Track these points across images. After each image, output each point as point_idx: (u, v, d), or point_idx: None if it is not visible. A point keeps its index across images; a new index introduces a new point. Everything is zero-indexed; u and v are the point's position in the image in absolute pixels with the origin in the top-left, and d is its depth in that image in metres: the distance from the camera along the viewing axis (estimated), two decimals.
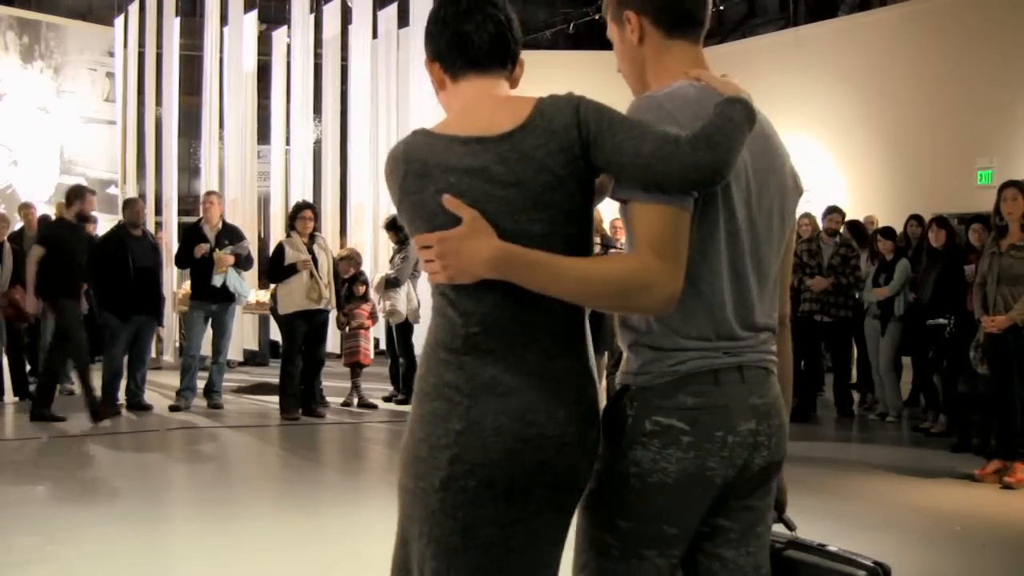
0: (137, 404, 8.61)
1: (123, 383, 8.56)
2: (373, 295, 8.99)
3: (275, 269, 8.43)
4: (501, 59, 1.87)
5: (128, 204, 9.06)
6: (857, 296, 8.44)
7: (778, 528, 2.08)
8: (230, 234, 8.78)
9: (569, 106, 1.73)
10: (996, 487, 5.94)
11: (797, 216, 9.85)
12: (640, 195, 1.69)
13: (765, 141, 1.85)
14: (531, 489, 1.72)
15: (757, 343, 1.84)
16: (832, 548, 1.95)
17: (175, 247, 10.25)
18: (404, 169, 1.78)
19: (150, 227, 11.42)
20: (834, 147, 13.54)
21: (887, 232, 8.48)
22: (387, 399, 9.19)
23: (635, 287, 1.66)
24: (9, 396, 9.05)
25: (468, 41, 1.84)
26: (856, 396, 9.18)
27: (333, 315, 8.68)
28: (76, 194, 8.48)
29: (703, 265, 1.75)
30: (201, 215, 8.98)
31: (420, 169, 1.76)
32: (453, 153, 1.74)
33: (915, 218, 9.09)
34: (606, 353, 7.63)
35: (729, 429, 1.76)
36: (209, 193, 9.38)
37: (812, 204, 11.06)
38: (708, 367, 1.76)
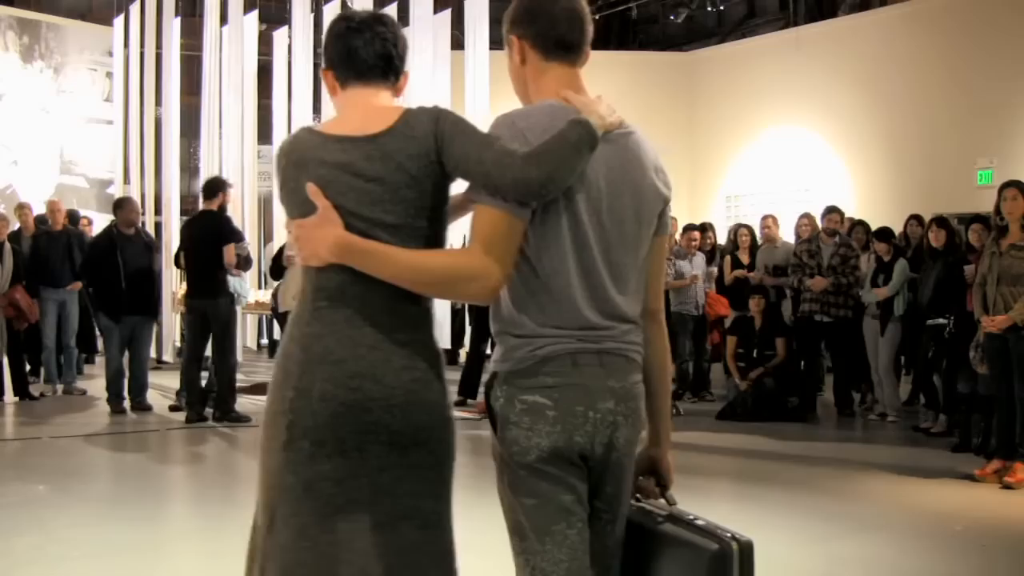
0: (138, 404, 8.62)
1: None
2: None
3: (275, 266, 8.52)
4: (384, 73, 2.13)
5: (120, 204, 8.98)
6: (859, 295, 8.43)
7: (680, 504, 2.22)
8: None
9: (430, 117, 1.99)
10: (996, 487, 5.93)
11: (797, 216, 9.75)
12: (484, 198, 1.94)
13: (623, 154, 2.05)
14: (366, 446, 1.95)
15: (618, 333, 2.03)
16: (700, 522, 2.08)
17: (175, 247, 10.24)
18: (285, 160, 2.06)
19: (150, 227, 11.46)
20: (834, 147, 13.54)
21: (882, 234, 8.48)
22: None
23: (462, 278, 1.92)
24: (9, 396, 9.05)
25: (356, 55, 2.11)
26: (856, 396, 9.18)
27: None
28: (219, 186, 8.20)
29: (549, 264, 1.97)
30: None
31: (298, 160, 2.03)
32: (327, 149, 2.01)
33: (915, 218, 9.07)
34: None
35: (589, 405, 1.96)
36: None
37: (812, 204, 11.06)
38: (564, 351, 1.97)
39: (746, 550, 2.01)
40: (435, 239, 2.04)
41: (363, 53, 2.10)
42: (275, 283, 9.09)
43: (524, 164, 1.87)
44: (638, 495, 2.17)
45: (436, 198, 2.01)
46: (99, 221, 13.02)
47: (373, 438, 1.95)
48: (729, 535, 2.02)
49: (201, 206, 8.26)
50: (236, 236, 8.13)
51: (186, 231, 8.20)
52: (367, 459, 1.95)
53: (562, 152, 1.89)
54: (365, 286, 1.97)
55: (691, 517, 2.11)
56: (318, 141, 2.03)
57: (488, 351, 8.37)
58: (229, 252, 7.92)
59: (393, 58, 2.12)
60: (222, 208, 8.14)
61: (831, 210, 8.84)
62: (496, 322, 2.03)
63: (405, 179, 1.96)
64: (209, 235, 7.95)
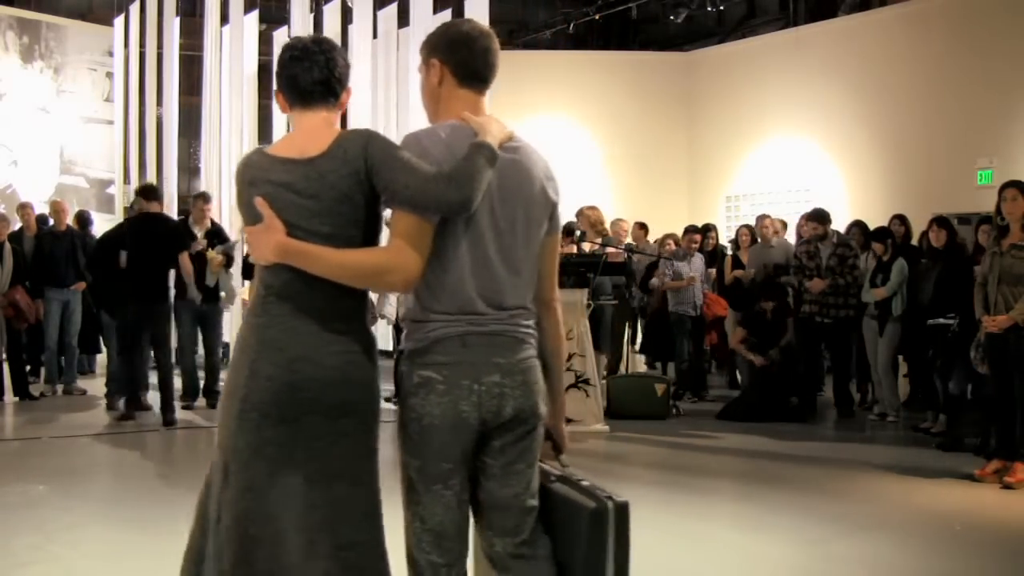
0: (138, 404, 8.61)
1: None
2: (372, 295, 9.03)
3: (245, 266, 8.72)
4: (324, 95, 2.45)
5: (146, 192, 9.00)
6: (862, 296, 8.43)
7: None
8: (217, 235, 8.93)
9: (361, 140, 2.32)
10: (996, 487, 5.94)
11: (798, 218, 9.71)
12: (403, 206, 2.29)
13: (514, 166, 2.40)
14: (302, 418, 2.32)
15: (505, 317, 2.38)
16: (585, 483, 2.40)
17: None
18: (241, 179, 2.43)
19: None
20: (833, 147, 13.53)
21: (878, 234, 8.47)
22: (387, 399, 9.18)
23: (384, 270, 2.28)
24: (9, 396, 9.05)
25: (296, 82, 2.44)
26: (856, 396, 9.18)
27: None
28: (157, 191, 8.56)
29: (447, 259, 2.32)
30: (192, 215, 9.03)
31: (252, 179, 2.40)
32: (273, 170, 2.37)
33: (898, 218, 9.06)
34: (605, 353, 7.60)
35: (475, 379, 2.32)
36: (200, 198, 9.31)
37: (812, 204, 11.05)
38: (455, 333, 2.33)
39: (621, 510, 2.30)
40: (366, 244, 2.36)
41: (302, 81, 2.43)
42: (247, 282, 9.27)
43: (445, 188, 2.22)
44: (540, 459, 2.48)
45: (367, 210, 2.34)
46: (99, 221, 13.01)
47: (310, 410, 2.32)
48: (606, 495, 2.32)
49: (152, 208, 8.19)
50: (188, 243, 8.34)
51: (131, 231, 8.17)
52: (303, 428, 2.32)
53: (473, 173, 2.24)
54: (306, 283, 2.32)
55: (578, 478, 2.44)
56: (267, 163, 2.39)
57: None
58: (185, 260, 8.19)
59: (331, 81, 2.44)
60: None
61: (811, 216, 8.83)
62: (403, 308, 2.42)
63: (337, 196, 2.30)
64: (161, 239, 8.03)
